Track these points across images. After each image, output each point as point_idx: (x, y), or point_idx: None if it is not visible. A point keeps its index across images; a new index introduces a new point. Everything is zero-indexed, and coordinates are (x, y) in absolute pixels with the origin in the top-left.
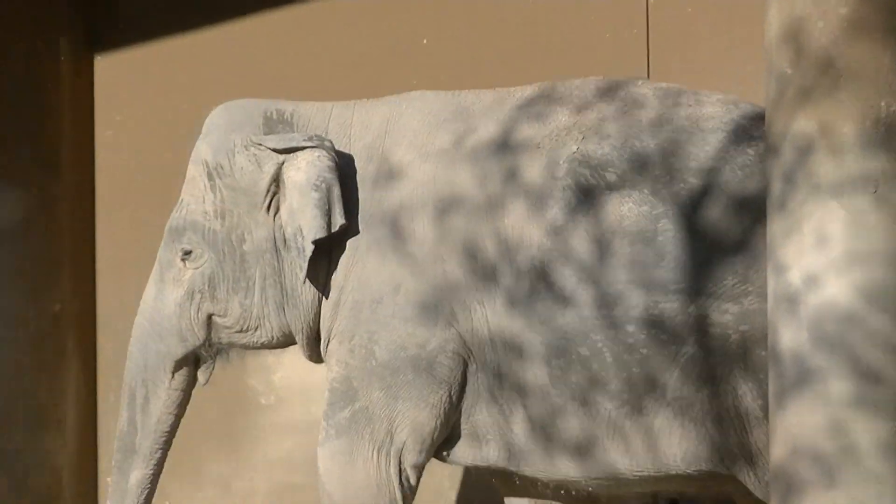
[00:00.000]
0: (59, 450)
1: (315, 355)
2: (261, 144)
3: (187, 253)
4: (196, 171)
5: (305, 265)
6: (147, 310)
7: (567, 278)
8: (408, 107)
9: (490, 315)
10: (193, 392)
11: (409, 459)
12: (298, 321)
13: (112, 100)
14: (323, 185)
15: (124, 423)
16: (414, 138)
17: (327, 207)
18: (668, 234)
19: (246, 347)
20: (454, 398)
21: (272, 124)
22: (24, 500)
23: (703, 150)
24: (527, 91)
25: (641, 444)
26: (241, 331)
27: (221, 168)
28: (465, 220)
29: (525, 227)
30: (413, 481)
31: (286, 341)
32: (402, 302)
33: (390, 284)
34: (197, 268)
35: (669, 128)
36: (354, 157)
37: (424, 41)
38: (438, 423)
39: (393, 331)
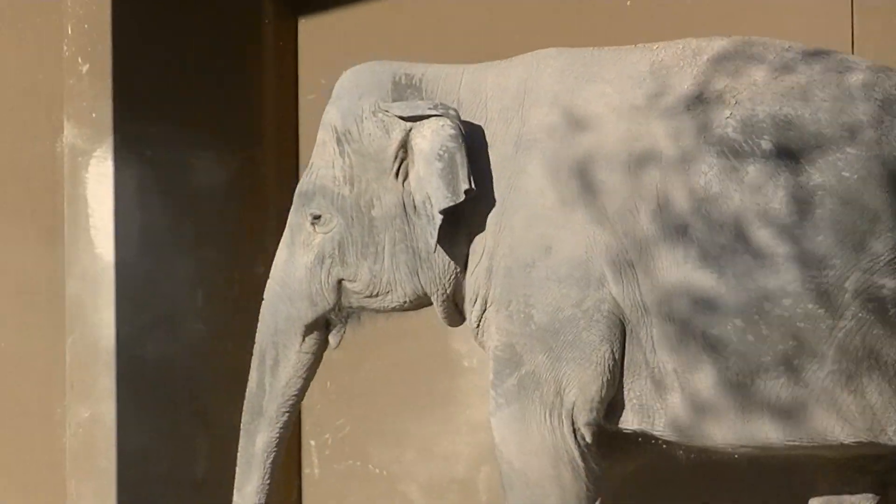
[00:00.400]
0: None
1: (452, 319)
2: (388, 111)
3: (316, 217)
4: (325, 135)
5: (435, 233)
6: (278, 273)
7: (723, 247)
8: (545, 67)
9: (642, 281)
10: (399, 354)
11: (581, 418)
12: (434, 284)
13: (316, 63)
14: (446, 154)
15: (253, 385)
16: (555, 100)
17: (451, 177)
18: (825, 206)
19: (376, 311)
20: (616, 356)
21: (401, 89)
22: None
23: (856, 120)
24: (714, 46)
25: (797, 415)
26: (370, 295)
27: (350, 134)
28: (614, 184)
29: (678, 193)
30: (589, 439)
31: (419, 304)
32: (554, 263)
33: (540, 246)
34: (326, 232)
35: (821, 95)
36: (491, 121)
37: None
38: (604, 380)
39: (548, 292)
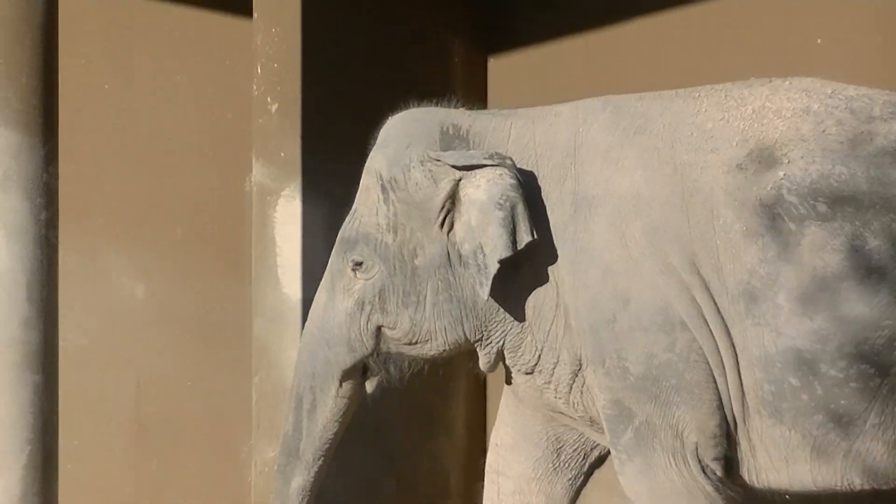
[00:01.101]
0: (447, 451)
1: (494, 366)
2: (438, 160)
3: (358, 264)
4: (370, 182)
5: (488, 283)
6: (317, 317)
7: (779, 307)
8: (593, 121)
9: (713, 327)
10: None
11: (708, 455)
12: (479, 332)
13: (505, 101)
14: (507, 203)
15: (290, 428)
16: (607, 154)
17: (512, 226)
18: (881, 270)
19: (414, 358)
20: (718, 392)
21: (448, 139)
22: (412, 502)
23: None
24: (756, 94)
25: (840, 465)
26: (409, 343)
27: (396, 182)
28: (676, 237)
29: (736, 252)
30: (720, 472)
31: (458, 351)
32: (635, 313)
33: (618, 300)
34: (368, 279)
35: (871, 148)
36: (544, 180)
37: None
38: (721, 415)
39: (636, 343)
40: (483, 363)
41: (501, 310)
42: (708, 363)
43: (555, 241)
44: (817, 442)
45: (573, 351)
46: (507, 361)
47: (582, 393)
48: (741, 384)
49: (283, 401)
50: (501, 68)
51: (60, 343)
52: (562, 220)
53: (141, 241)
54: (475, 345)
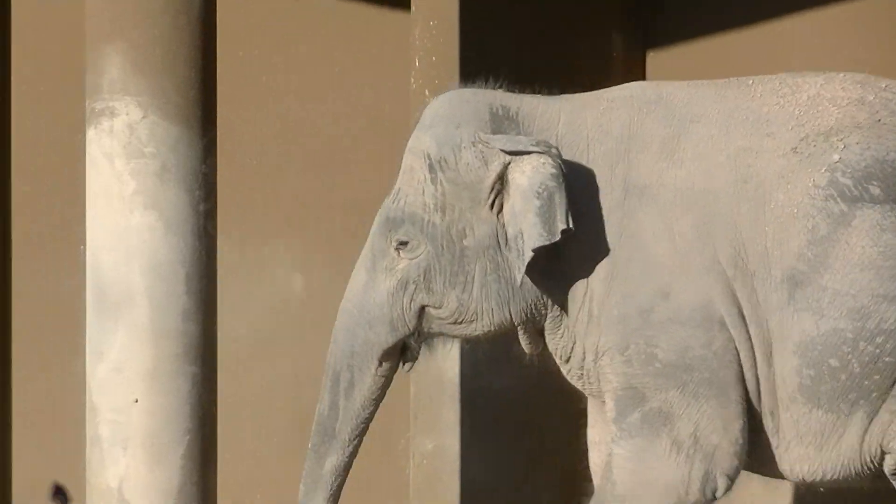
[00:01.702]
0: None
1: (536, 346)
2: (488, 143)
3: (403, 243)
4: (416, 162)
5: (524, 268)
6: (355, 297)
7: (824, 289)
8: (648, 110)
9: (750, 324)
10: None
11: (723, 464)
12: (525, 314)
13: None
14: (545, 192)
15: (325, 407)
16: (663, 146)
17: (548, 215)
18: None
19: (457, 337)
20: (746, 397)
21: (499, 121)
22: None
23: None
24: (812, 83)
25: (857, 445)
26: (455, 322)
27: (446, 162)
28: (726, 227)
29: (786, 236)
30: (720, 492)
31: (502, 332)
32: (675, 306)
33: (658, 293)
34: (412, 258)
35: None
36: (595, 164)
37: None
38: (745, 421)
39: (673, 334)
40: (525, 345)
41: (543, 294)
42: (741, 366)
43: (599, 227)
44: (848, 422)
45: (591, 340)
46: (549, 346)
47: (598, 378)
48: (773, 375)
49: (442, 394)
50: (660, 63)
51: (219, 334)
52: (608, 206)
53: (299, 233)
54: (519, 327)
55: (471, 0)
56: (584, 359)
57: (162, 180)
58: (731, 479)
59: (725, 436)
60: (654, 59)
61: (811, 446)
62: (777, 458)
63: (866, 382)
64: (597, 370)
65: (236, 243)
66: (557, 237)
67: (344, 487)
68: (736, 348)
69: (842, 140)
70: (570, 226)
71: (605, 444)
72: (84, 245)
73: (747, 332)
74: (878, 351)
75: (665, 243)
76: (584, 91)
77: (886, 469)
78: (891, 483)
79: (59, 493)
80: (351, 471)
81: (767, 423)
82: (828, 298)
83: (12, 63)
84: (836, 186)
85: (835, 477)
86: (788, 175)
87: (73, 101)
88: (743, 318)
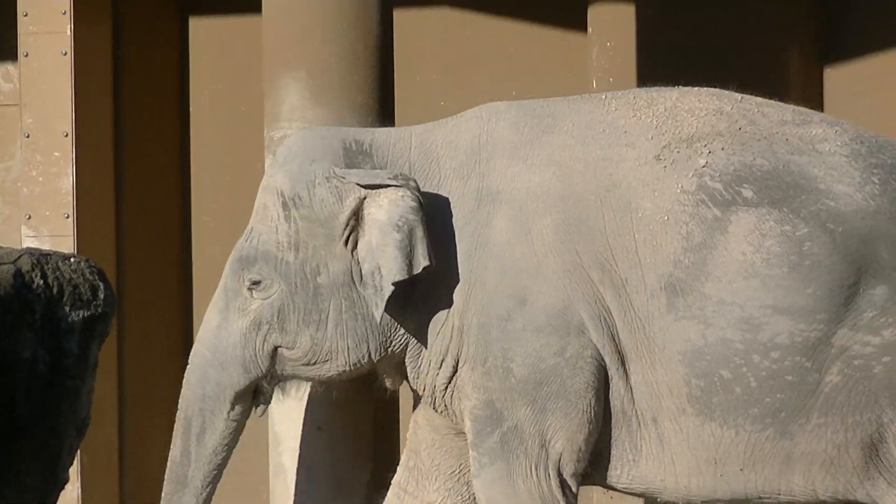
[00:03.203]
0: None
1: (396, 381)
2: (344, 178)
3: (255, 283)
4: (269, 199)
5: (382, 304)
6: (208, 339)
7: (707, 297)
8: (498, 120)
9: (620, 329)
10: None
11: (569, 469)
12: (383, 349)
13: (841, 112)
14: (405, 226)
15: (177, 454)
16: (515, 152)
17: (409, 249)
18: (814, 257)
19: (309, 379)
20: (598, 406)
21: (352, 155)
22: None
23: (827, 173)
24: (666, 96)
25: (778, 468)
26: (308, 364)
27: (300, 199)
28: (590, 233)
29: (658, 243)
30: (575, 490)
31: (357, 372)
32: (531, 313)
33: (514, 298)
34: (265, 298)
35: (787, 147)
36: (446, 179)
37: None
38: (591, 428)
39: (527, 344)
40: (388, 381)
41: (402, 325)
42: (593, 372)
43: (455, 242)
44: (752, 439)
45: (454, 352)
46: (409, 374)
47: (453, 397)
48: (656, 384)
49: None
50: (838, 77)
51: None
52: (463, 219)
53: None
54: (378, 364)
55: (648, 20)
56: (450, 375)
57: None
58: (579, 479)
59: (569, 444)
60: (832, 74)
61: (706, 461)
62: (657, 470)
63: (768, 399)
64: (455, 382)
65: None
66: (418, 271)
67: None
68: (591, 354)
69: (706, 146)
70: (432, 262)
71: (428, 476)
72: None
73: (613, 337)
74: (775, 367)
75: (522, 246)
76: None
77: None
78: None
79: None
80: None
81: (646, 433)
82: (712, 307)
83: (191, 92)
84: (706, 191)
85: (732, 495)
86: (653, 183)
87: (252, 129)
88: (609, 322)
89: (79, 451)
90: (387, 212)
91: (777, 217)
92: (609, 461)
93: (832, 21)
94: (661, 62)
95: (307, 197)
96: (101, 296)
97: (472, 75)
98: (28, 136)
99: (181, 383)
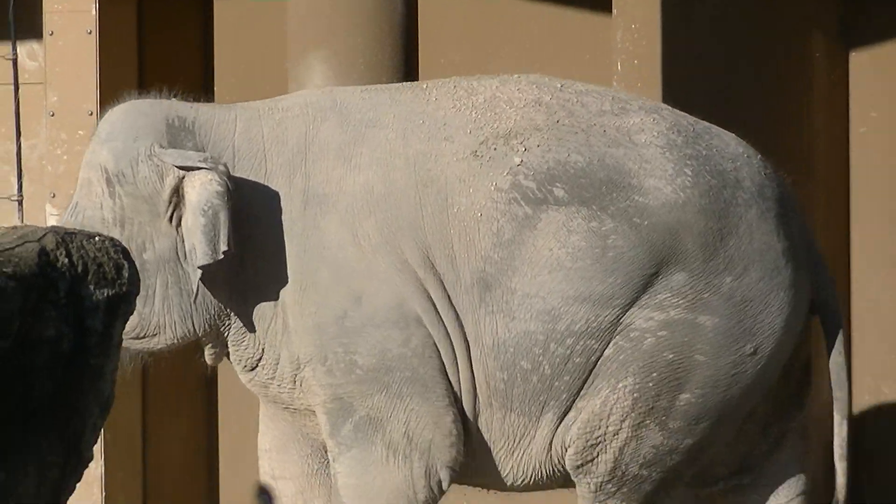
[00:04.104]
0: None
1: (218, 358)
2: (161, 157)
3: None
4: (93, 175)
5: (195, 285)
6: None
7: (513, 291)
8: (323, 118)
9: (447, 324)
10: None
11: (442, 457)
12: (208, 326)
13: (867, 96)
14: (210, 210)
15: None
16: (339, 152)
17: (213, 234)
18: (617, 250)
19: (140, 352)
20: (451, 390)
21: (175, 132)
22: None
23: (641, 166)
24: (487, 85)
25: (546, 445)
26: (136, 337)
27: (123, 176)
28: (411, 230)
29: (471, 239)
30: (445, 484)
31: (186, 343)
32: (369, 311)
33: (350, 298)
34: None
35: (604, 140)
36: (272, 175)
37: None
38: (455, 412)
39: (368, 337)
40: (208, 357)
41: (227, 306)
42: (441, 360)
43: (282, 239)
44: (540, 424)
45: (292, 350)
46: (231, 357)
47: (303, 390)
48: (473, 378)
49: None
50: (864, 63)
51: None
52: (290, 217)
53: None
54: (203, 338)
55: (672, 3)
56: (277, 366)
57: None
58: (454, 470)
59: (437, 429)
60: (857, 59)
61: (503, 451)
62: (479, 465)
63: (556, 383)
64: (300, 381)
65: None
66: (220, 257)
67: None
68: (434, 344)
69: (522, 143)
70: (231, 247)
71: (275, 451)
72: None
73: (445, 329)
74: (568, 352)
75: (351, 248)
76: (786, 91)
77: (568, 464)
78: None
79: None
80: None
81: (472, 427)
82: (517, 301)
83: (215, 72)
84: (520, 189)
85: (526, 482)
86: (469, 179)
87: None
88: (439, 315)
89: (102, 430)
90: (197, 194)
91: (585, 214)
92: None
93: (857, 4)
94: (685, 44)
95: (131, 174)
96: (126, 274)
97: (496, 56)
98: (53, 115)
99: (205, 362)
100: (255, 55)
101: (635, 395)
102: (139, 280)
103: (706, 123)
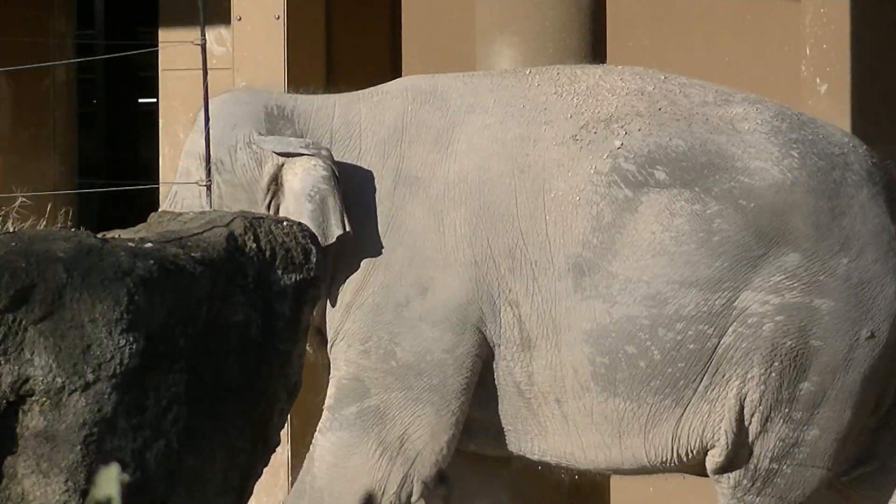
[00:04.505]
0: None
1: (317, 353)
2: (260, 144)
3: None
4: (192, 164)
5: None
6: None
7: (614, 276)
8: (423, 101)
9: (527, 314)
10: None
11: (422, 471)
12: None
13: None
14: (317, 195)
15: None
16: (437, 138)
17: (321, 219)
18: (723, 233)
19: None
20: (468, 405)
21: (274, 120)
22: None
23: (745, 150)
24: (590, 73)
25: (671, 436)
26: None
27: (222, 163)
28: (502, 219)
29: (568, 224)
30: (415, 496)
31: None
32: (430, 305)
33: (417, 287)
34: None
35: (706, 127)
36: (366, 154)
37: None
38: (454, 433)
39: (419, 334)
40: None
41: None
42: (475, 374)
43: (367, 217)
44: (652, 410)
45: (338, 325)
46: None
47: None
48: (560, 364)
49: None
50: None
51: None
52: (378, 196)
53: None
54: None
55: None
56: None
57: None
58: (428, 487)
59: (430, 444)
60: None
61: (608, 434)
62: (564, 443)
63: (669, 370)
64: (330, 354)
65: None
66: (332, 241)
67: None
68: (482, 351)
69: (623, 127)
70: (348, 230)
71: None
72: None
73: (519, 321)
74: (679, 338)
75: (433, 236)
76: None
77: (708, 465)
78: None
79: None
80: None
81: (549, 411)
82: (619, 285)
83: (403, 58)
84: (619, 172)
85: (637, 466)
86: (568, 163)
87: None
88: (517, 308)
89: (290, 415)
90: (301, 180)
91: (688, 197)
92: (514, 433)
93: None
94: (875, 29)
95: (229, 162)
96: (314, 259)
97: (683, 41)
98: None
99: None
100: (443, 41)
101: (762, 386)
102: (326, 266)
103: (811, 115)
